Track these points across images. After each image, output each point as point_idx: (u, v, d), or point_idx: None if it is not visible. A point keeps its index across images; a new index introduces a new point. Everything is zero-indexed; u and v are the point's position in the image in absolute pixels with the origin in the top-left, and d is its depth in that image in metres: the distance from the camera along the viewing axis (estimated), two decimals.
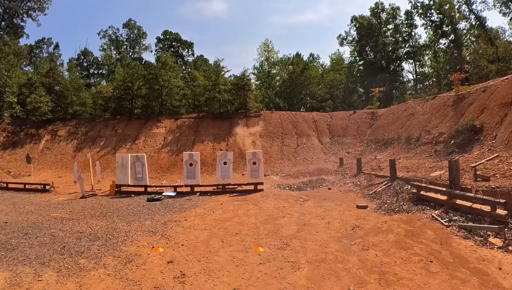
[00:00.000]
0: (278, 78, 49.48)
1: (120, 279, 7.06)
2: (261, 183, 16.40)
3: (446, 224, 9.48)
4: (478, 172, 11.89)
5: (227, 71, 33.91)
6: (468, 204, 9.97)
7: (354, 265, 7.56)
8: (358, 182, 17.31)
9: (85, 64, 55.20)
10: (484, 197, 9.62)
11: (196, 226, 10.76)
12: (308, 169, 22.40)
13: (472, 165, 12.86)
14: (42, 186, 19.40)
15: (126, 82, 33.61)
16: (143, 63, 51.60)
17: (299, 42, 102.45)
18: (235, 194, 15.89)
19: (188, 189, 16.41)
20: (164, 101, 33.92)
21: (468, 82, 25.64)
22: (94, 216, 12.46)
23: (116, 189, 17.38)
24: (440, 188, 11.39)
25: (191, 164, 16.44)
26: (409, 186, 13.62)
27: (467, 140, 15.65)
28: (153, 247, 8.95)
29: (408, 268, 7.24)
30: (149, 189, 17.15)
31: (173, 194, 16.23)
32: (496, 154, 13.12)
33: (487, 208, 9.31)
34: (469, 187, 10.93)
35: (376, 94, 32.10)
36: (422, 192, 12.10)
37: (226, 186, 16.37)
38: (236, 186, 16.87)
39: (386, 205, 12.46)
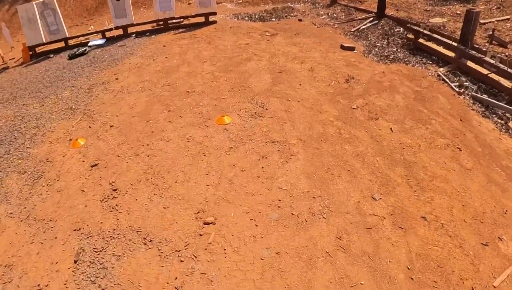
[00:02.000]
0: None
1: (27, 222, 4.24)
2: (214, 13, 12.34)
3: (457, 90, 7.17)
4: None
5: None
6: (483, 70, 7.48)
7: (368, 147, 5.03)
8: (334, 15, 13.56)
9: None
10: (509, 69, 6.96)
11: (130, 86, 7.47)
12: None
13: (481, 21, 9.72)
14: None
15: None
16: None
17: None
18: (181, 30, 11.95)
19: (120, 31, 12.32)
20: None
21: None
22: (1, 102, 8.83)
23: (31, 53, 12.99)
24: (448, 41, 8.45)
25: None
26: (401, 29, 10.51)
27: None
28: (70, 139, 5.86)
29: (437, 158, 5.02)
30: (70, 42, 12.88)
31: (101, 42, 12.20)
32: (508, 17, 10.12)
33: (507, 83, 6.93)
34: (484, 48, 8.13)
35: None
36: (421, 40, 9.20)
37: (169, 21, 12.31)
38: (182, 19, 12.80)
39: (376, 50, 9.49)
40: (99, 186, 4.62)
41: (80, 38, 13.05)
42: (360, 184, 4.50)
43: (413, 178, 4.70)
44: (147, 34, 12.02)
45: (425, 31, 9.23)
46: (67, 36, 12.84)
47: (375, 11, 12.15)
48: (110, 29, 12.38)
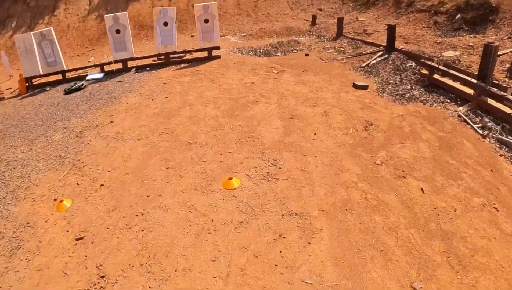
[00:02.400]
0: None
1: None
2: (217, 48, 11.75)
3: (481, 132, 6.50)
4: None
5: None
6: (506, 109, 6.81)
7: (399, 216, 4.34)
8: (342, 48, 13.03)
9: None
10: None
11: (126, 132, 6.71)
12: (274, 28, 17.42)
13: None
14: None
15: None
16: None
17: None
18: (183, 65, 11.31)
19: (120, 65, 11.69)
20: None
21: None
22: None
23: (27, 84, 12.37)
24: (466, 77, 7.84)
25: (117, 31, 11.31)
26: (413, 63, 9.89)
27: (480, 18, 11.67)
28: (55, 199, 5.08)
29: (475, 224, 4.31)
30: (68, 75, 12.30)
31: (100, 76, 11.56)
32: None
33: None
34: (504, 84, 7.47)
35: None
36: (436, 76, 8.59)
37: (171, 56, 11.71)
38: (184, 54, 12.20)
39: (390, 87, 8.83)
40: (84, 269, 3.79)
41: (78, 71, 12.43)
42: (396, 269, 3.68)
43: (454, 255, 3.89)
44: (148, 68, 11.38)
45: (440, 67, 8.61)
46: (65, 68, 12.23)
47: (384, 44, 11.56)
48: (110, 63, 11.77)
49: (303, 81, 9.14)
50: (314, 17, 17.91)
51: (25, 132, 7.99)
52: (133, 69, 11.48)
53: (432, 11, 14.42)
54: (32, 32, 12.17)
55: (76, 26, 21.47)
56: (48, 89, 11.78)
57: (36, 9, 24.04)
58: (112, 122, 7.33)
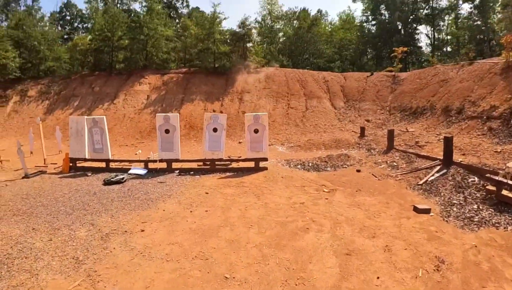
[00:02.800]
0: (281, 34, 42.81)
1: None
2: (265, 159, 11.33)
3: None
4: None
5: (224, 18, 27.12)
6: None
7: None
8: (394, 163, 12.35)
9: (68, 17, 48.49)
10: None
11: (155, 248, 5.81)
12: (322, 139, 17.24)
13: None
14: None
15: (105, 32, 27.68)
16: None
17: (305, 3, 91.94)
18: (228, 173, 10.81)
19: (164, 165, 11.35)
20: (149, 54, 27.89)
21: None
22: (16, 214, 7.57)
23: (71, 165, 12.31)
24: None
25: (167, 131, 11.24)
26: (475, 178, 8.89)
27: None
28: None
29: None
30: (112, 164, 12.12)
31: (142, 172, 11.21)
32: None
33: None
34: None
35: (399, 55, 26.35)
36: (504, 192, 7.51)
37: (216, 162, 11.31)
38: (230, 162, 11.79)
39: (455, 209, 7.73)
40: None
41: (123, 163, 12.22)
42: None
43: None
44: (192, 173, 10.94)
45: (509, 181, 7.48)
46: (110, 158, 12.07)
47: (440, 157, 10.60)
48: (155, 161, 11.48)
49: (358, 203, 8.17)
50: (362, 129, 17.62)
51: (52, 216, 7.42)
52: (177, 171, 11.08)
53: (485, 117, 13.86)
54: (86, 117, 12.37)
55: (131, 117, 22.37)
56: (89, 174, 11.51)
57: (99, 94, 25.68)
58: (143, 230, 6.51)
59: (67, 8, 48.38)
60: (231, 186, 9.42)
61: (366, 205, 8.11)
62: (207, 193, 8.77)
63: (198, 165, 11.50)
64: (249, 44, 27.02)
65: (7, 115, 25.47)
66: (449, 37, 42.91)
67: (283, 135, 19.01)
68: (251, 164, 11.18)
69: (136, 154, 15.86)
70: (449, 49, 42.18)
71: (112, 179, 10.41)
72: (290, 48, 37.97)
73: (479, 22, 36.36)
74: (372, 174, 11.23)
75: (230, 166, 11.48)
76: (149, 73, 26.43)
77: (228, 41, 26.87)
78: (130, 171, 11.31)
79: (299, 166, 12.42)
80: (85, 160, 12.23)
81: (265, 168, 11.11)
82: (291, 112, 21.46)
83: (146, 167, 11.47)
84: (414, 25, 42.07)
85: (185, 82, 25.14)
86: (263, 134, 11.12)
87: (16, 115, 25.71)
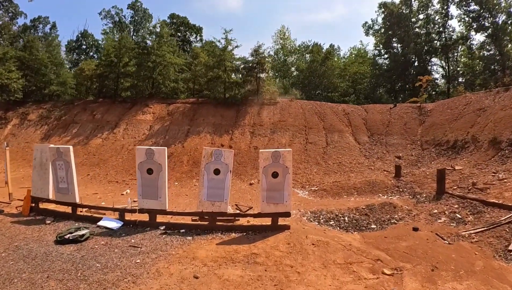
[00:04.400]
0: (294, 68, 40.08)
1: None
2: (287, 215, 7.65)
3: None
4: None
5: (236, 46, 24.09)
6: None
7: None
8: (457, 215, 8.84)
9: (84, 46, 46.71)
10: None
11: None
12: (352, 181, 13.53)
13: None
14: None
15: (111, 57, 24.96)
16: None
17: (316, 38, 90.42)
18: (232, 235, 7.15)
19: (146, 217, 7.78)
20: (156, 82, 24.83)
21: None
22: None
23: (32, 205, 8.93)
24: None
25: (149, 171, 7.72)
26: None
27: None
28: None
29: None
30: (79, 211, 8.62)
31: (116, 226, 7.67)
32: None
33: None
34: None
35: (424, 84, 23.16)
36: None
37: (218, 217, 7.66)
38: (236, 218, 8.11)
39: None
40: None
41: (92, 211, 8.71)
42: None
43: None
44: (182, 231, 7.31)
45: None
46: (77, 201, 8.59)
47: None
48: (133, 211, 7.94)
49: None
50: (398, 168, 13.94)
51: None
52: (162, 227, 7.50)
53: None
54: (49, 145, 9.00)
55: (129, 148, 19.04)
56: (48, 222, 8.08)
57: (99, 122, 22.70)
58: None
59: (83, 38, 46.77)
60: (236, 261, 5.81)
61: None
62: (196, 277, 5.13)
63: (192, 220, 7.89)
64: (263, 74, 23.79)
65: (4, 138, 22.85)
66: (460, 66, 39.97)
67: (303, 175, 15.34)
68: (267, 221, 7.56)
69: (122, 194, 12.35)
70: (461, 79, 39.36)
71: (70, 237, 6.94)
72: (303, 82, 35.10)
73: (492, 52, 34.07)
74: (437, 235, 7.60)
75: (237, 223, 7.80)
76: (154, 102, 23.36)
77: (240, 69, 23.78)
78: (100, 223, 7.81)
79: (332, 222, 8.78)
80: (49, 201, 8.81)
81: (286, 227, 7.45)
82: (310, 148, 17.88)
83: (122, 218, 7.93)
84: (428, 57, 39.30)
85: (192, 112, 21.92)
86: (285, 179, 7.46)
87: (13, 138, 23.24)
